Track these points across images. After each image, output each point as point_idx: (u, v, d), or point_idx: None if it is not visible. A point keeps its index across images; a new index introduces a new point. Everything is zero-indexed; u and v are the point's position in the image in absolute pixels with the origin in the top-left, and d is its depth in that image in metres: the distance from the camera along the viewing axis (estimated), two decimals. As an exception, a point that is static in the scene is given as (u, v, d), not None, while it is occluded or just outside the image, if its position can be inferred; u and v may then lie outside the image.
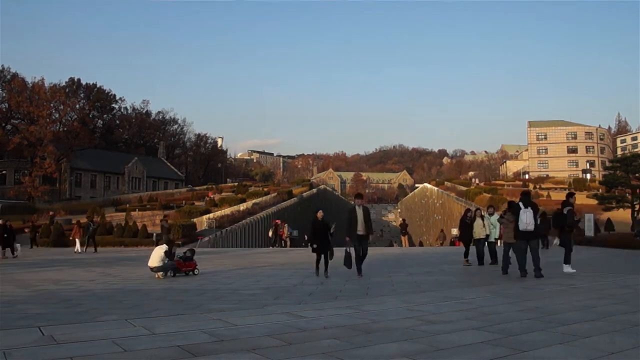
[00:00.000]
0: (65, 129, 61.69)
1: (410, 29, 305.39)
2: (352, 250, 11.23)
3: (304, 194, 67.86)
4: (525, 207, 10.45)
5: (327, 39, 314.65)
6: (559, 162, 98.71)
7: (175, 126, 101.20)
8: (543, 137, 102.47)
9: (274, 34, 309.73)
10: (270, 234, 32.92)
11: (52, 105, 58.64)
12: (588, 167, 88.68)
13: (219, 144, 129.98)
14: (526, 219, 10.25)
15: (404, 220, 37.41)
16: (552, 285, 9.49)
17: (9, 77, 63.96)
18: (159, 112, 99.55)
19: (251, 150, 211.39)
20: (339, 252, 12.23)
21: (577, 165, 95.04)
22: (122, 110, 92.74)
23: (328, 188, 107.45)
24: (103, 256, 21.99)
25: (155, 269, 11.99)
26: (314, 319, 6.18)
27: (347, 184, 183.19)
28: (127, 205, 52.32)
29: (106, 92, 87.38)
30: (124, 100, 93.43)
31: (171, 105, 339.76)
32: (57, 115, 60.30)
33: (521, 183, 73.04)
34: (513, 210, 10.81)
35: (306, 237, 27.88)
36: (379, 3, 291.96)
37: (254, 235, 43.80)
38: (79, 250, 24.39)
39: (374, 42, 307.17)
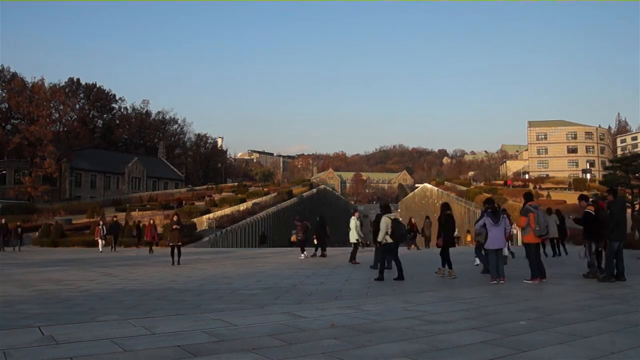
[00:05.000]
0: (65, 129, 61.61)
1: (410, 29, 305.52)
2: None
3: (304, 194, 67.88)
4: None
5: (327, 40, 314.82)
6: (559, 162, 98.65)
7: (175, 126, 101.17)
8: (543, 137, 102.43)
9: (273, 34, 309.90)
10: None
11: (52, 105, 58.56)
12: (588, 167, 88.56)
13: (219, 144, 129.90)
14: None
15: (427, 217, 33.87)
16: (552, 285, 9.49)
17: (9, 77, 63.89)
18: (159, 112, 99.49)
19: (251, 150, 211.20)
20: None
21: (577, 165, 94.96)
22: (122, 110, 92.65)
23: (328, 188, 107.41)
24: (103, 256, 22.00)
25: None
26: (314, 319, 6.18)
27: (347, 184, 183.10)
28: (127, 205, 52.33)
29: (106, 92, 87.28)
30: (124, 100, 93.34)
31: (171, 105, 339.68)
32: (57, 115, 60.24)
33: (522, 183, 73.04)
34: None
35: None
36: (379, 4, 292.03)
37: (254, 235, 43.80)
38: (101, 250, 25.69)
39: (374, 42, 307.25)
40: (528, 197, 10.25)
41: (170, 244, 16.46)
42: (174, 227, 16.52)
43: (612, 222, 9.76)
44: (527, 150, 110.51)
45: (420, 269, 13.53)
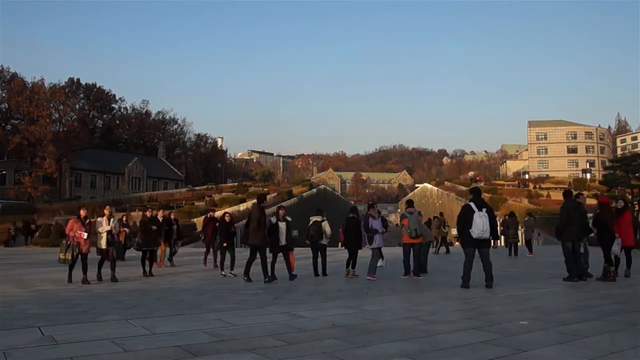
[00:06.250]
0: (65, 129, 61.61)
1: (410, 29, 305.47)
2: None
3: (304, 194, 67.80)
4: (479, 209, 8.81)
5: (326, 40, 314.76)
6: (559, 162, 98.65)
7: (175, 126, 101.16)
8: (543, 137, 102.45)
9: (273, 34, 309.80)
10: None
11: (52, 105, 58.57)
12: (588, 167, 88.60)
13: (219, 144, 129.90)
14: (482, 225, 8.68)
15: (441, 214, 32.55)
16: (552, 285, 9.49)
17: (9, 77, 63.87)
18: (159, 112, 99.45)
19: (251, 150, 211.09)
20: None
21: (577, 165, 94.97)
22: (122, 110, 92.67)
23: (328, 188, 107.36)
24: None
25: None
26: (314, 319, 6.18)
27: (347, 184, 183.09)
28: (127, 205, 52.32)
29: (106, 92, 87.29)
30: (124, 100, 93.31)
31: (171, 105, 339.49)
32: (57, 115, 60.24)
33: (520, 183, 73.06)
34: (464, 212, 8.99)
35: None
36: (379, 3, 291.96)
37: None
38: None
39: (374, 42, 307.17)
40: (409, 204, 11.51)
41: (144, 249, 12.72)
42: (153, 227, 13.16)
43: (562, 223, 10.01)
44: (527, 150, 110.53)
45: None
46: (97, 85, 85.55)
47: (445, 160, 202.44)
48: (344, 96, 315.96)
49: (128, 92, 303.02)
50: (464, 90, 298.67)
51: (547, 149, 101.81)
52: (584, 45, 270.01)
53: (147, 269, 12.62)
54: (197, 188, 71.13)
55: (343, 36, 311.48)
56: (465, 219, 8.88)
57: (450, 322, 5.85)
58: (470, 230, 8.73)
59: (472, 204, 8.97)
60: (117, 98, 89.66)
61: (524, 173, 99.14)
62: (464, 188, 65.33)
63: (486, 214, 8.76)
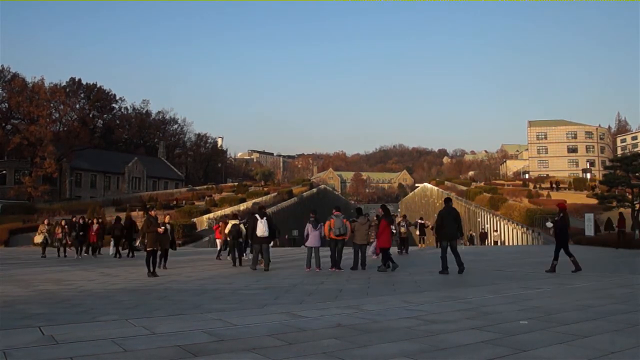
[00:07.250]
0: (65, 129, 61.60)
1: (409, 29, 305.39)
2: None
3: (304, 193, 67.93)
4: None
5: (327, 39, 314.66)
6: (559, 161, 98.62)
7: (175, 126, 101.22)
8: (543, 136, 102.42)
9: (273, 34, 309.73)
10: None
11: (52, 105, 58.55)
12: (588, 167, 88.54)
13: (219, 143, 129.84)
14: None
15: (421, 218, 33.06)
16: (552, 285, 9.49)
17: (9, 77, 63.86)
18: (159, 112, 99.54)
19: (251, 150, 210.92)
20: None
21: (577, 165, 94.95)
22: (122, 110, 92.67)
23: (328, 188, 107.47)
24: (103, 256, 22.00)
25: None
26: (314, 318, 6.18)
27: (347, 183, 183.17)
28: (127, 205, 52.34)
29: (106, 92, 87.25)
30: (124, 100, 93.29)
31: (171, 105, 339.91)
32: (57, 115, 60.22)
33: (521, 183, 73.08)
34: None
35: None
36: (379, 4, 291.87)
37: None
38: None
39: (373, 42, 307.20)
40: (337, 208, 13.91)
41: (155, 249, 12.72)
42: (161, 229, 13.01)
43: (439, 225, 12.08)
44: (527, 150, 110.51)
45: (419, 269, 13.54)
46: (98, 85, 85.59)
47: (445, 160, 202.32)
48: (344, 96, 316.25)
49: (128, 92, 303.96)
50: (464, 90, 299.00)
51: (547, 148, 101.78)
52: (584, 45, 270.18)
53: (158, 265, 12.67)
54: (197, 188, 71.17)
55: (343, 36, 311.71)
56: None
57: (450, 322, 5.85)
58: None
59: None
60: (117, 98, 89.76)
61: (524, 173, 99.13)
62: (464, 188, 65.39)
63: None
